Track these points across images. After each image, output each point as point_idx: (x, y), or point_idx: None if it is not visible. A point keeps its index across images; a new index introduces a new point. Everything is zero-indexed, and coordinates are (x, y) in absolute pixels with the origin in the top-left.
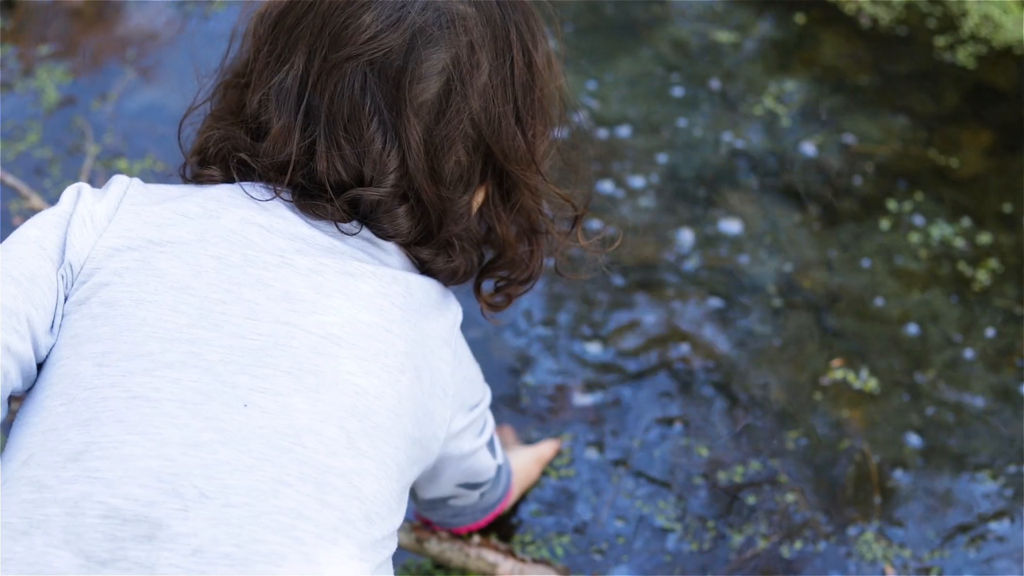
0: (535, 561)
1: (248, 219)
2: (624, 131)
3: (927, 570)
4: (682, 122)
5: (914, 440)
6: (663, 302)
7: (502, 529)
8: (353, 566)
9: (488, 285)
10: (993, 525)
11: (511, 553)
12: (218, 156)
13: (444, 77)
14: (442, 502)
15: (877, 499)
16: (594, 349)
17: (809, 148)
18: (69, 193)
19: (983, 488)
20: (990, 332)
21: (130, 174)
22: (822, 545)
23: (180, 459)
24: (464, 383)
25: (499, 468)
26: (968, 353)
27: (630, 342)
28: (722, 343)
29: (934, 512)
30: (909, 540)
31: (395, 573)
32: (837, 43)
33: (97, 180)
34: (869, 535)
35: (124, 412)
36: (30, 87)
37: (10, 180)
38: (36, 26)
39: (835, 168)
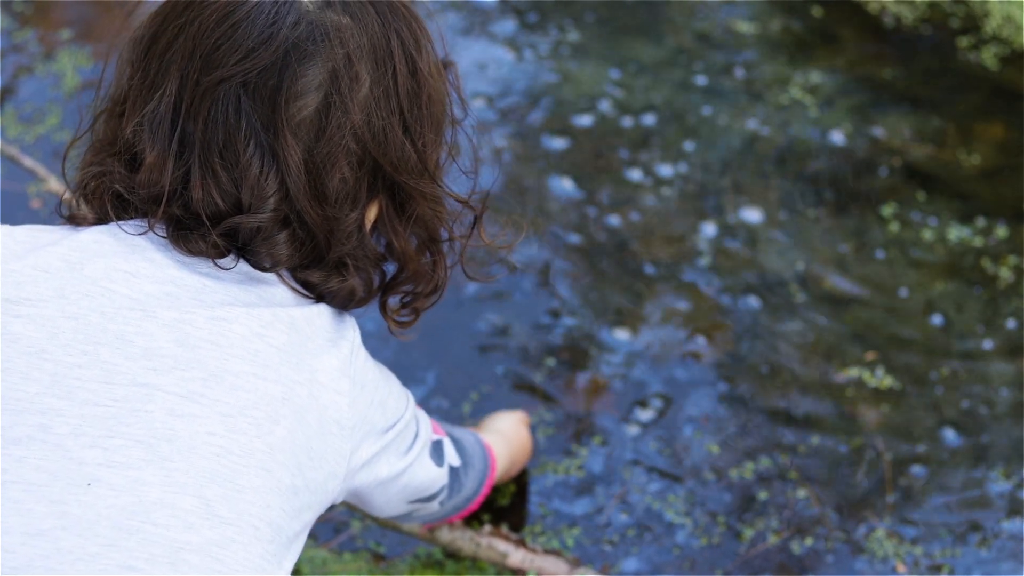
0: (546, 552)
1: (114, 267)
2: (649, 119)
3: (938, 568)
4: (707, 110)
5: (929, 437)
6: (682, 293)
7: (513, 519)
8: None
9: (394, 302)
10: (1006, 524)
11: (522, 543)
12: (96, 192)
13: (322, 93)
14: (404, 516)
15: (890, 496)
16: (622, 335)
17: (838, 137)
18: None
19: (996, 487)
20: (1011, 323)
21: None
22: (833, 542)
23: (21, 550)
24: (370, 409)
25: (454, 472)
26: (987, 345)
27: (650, 333)
28: (738, 336)
29: (947, 510)
30: (921, 538)
31: (406, 561)
32: (860, 39)
33: None
34: (881, 532)
35: None
36: (51, 70)
37: (28, 163)
38: (57, 10)
39: (862, 159)
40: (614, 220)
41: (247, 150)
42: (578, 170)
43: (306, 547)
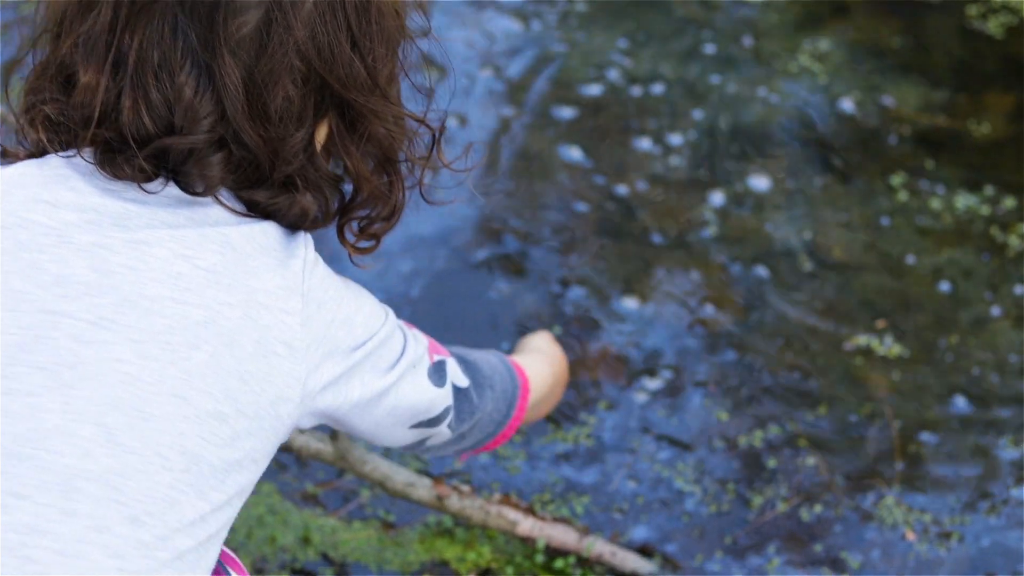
0: (555, 520)
1: (33, 197)
2: (658, 88)
3: (947, 535)
4: (715, 79)
5: (938, 404)
6: (690, 261)
7: (522, 488)
8: None
9: (353, 229)
10: (1015, 491)
11: (531, 511)
12: (34, 121)
13: (263, 9)
14: (416, 446)
15: (899, 464)
16: (631, 304)
17: (847, 105)
18: None
19: (1005, 454)
20: (1019, 290)
21: None
22: (843, 509)
23: None
24: (331, 328)
25: (461, 392)
26: (995, 312)
27: (659, 301)
28: (747, 304)
29: (956, 477)
30: (930, 505)
31: (415, 529)
32: (869, 7)
33: None
34: (890, 499)
35: None
36: None
37: None
38: None
39: (871, 127)
40: (622, 189)
41: (183, 70)
42: (586, 139)
43: (315, 515)
